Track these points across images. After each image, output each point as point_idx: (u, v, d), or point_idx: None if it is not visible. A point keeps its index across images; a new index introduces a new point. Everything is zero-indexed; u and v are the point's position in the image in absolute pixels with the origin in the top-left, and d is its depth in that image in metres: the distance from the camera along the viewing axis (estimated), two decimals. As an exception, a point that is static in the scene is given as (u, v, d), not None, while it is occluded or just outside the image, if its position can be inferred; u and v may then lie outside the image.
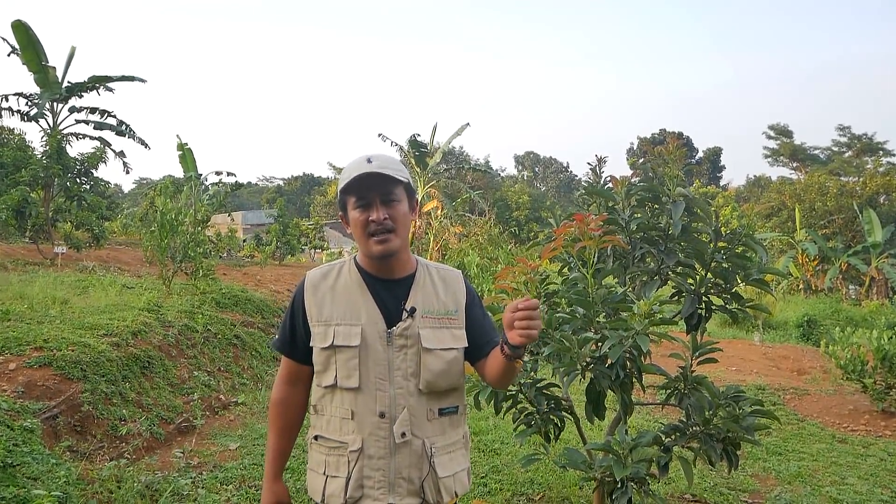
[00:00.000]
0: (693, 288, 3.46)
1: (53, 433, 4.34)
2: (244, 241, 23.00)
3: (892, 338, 7.14)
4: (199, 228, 9.36)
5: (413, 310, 1.86)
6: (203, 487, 4.20)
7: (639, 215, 3.55)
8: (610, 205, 3.78)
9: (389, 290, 1.89)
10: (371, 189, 1.81)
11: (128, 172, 18.75)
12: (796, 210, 26.13)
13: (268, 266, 17.19)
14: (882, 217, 24.20)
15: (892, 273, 22.02)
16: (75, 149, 26.89)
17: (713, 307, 3.52)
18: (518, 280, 3.33)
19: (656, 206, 3.56)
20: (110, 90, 16.95)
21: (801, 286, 22.58)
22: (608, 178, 4.12)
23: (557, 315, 3.28)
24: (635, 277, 3.67)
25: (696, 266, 3.52)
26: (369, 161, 1.82)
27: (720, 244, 3.41)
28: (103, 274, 9.87)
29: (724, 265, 3.44)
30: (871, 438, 6.42)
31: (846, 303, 19.46)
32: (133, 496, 3.83)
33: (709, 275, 3.45)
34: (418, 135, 24.16)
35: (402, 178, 1.84)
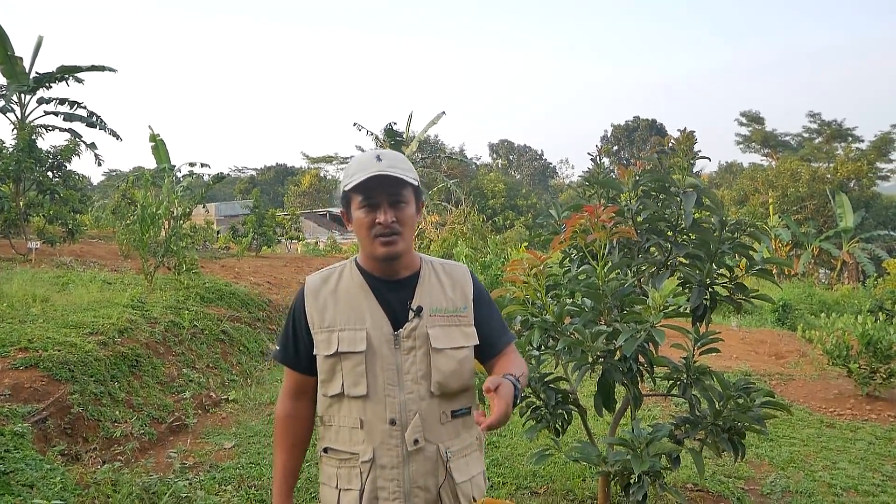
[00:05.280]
0: (700, 279, 3.44)
1: (44, 437, 4.21)
2: (218, 232, 22.67)
3: (876, 322, 7.25)
4: (181, 222, 9.15)
5: (420, 309, 1.78)
6: (201, 489, 4.10)
7: (644, 206, 3.52)
8: (612, 195, 3.75)
9: (394, 291, 1.81)
10: (379, 190, 1.72)
11: (99, 164, 18.27)
12: (769, 196, 26.50)
13: (245, 258, 16.97)
14: (853, 202, 24.66)
15: (862, 257, 22.49)
16: (46, 141, 26.28)
17: (718, 297, 3.51)
18: (527, 273, 3.27)
19: (663, 195, 3.53)
20: (80, 81, 16.58)
21: (774, 271, 22.94)
22: (610, 168, 4.08)
23: (566, 308, 3.25)
24: (641, 269, 3.64)
25: (703, 256, 3.50)
26: (379, 159, 1.73)
27: (725, 234, 3.40)
28: (82, 269, 9.61)
29: (729, 255, 3.43)
30: (857, 422, 6.52)
31: (818, 287, 19.81)
32: (132, 500, 3.73)
33: (714, 265, 3.43)
34: (394, 123, 24.13)
35: (412, 181, 1.76)
